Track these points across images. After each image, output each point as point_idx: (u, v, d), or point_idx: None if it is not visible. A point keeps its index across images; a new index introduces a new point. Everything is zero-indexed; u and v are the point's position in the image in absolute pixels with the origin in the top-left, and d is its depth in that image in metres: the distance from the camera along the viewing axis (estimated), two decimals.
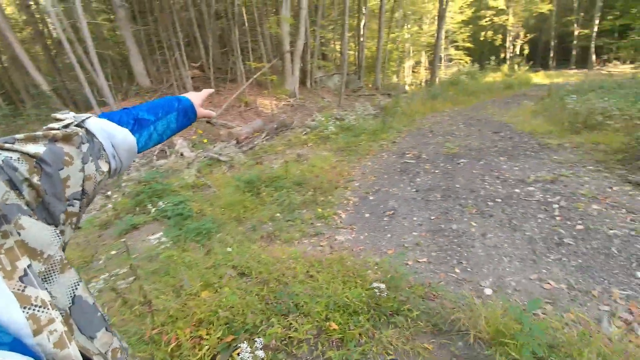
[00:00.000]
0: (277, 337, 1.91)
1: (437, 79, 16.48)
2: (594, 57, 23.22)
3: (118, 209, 4.10)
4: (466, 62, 22.23)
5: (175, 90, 10.79)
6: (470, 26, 24.93)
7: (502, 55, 26.21)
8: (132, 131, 0.67)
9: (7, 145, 0.45)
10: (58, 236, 0.47)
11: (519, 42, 26.22)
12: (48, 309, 0.40)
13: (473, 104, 10.56)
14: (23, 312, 0.37)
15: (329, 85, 14.80)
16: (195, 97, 0.86)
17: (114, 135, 0.63)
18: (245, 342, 1.83)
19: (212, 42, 11.48)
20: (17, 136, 0.48)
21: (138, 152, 0.71)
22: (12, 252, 0.39)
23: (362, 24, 16.16)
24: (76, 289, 0.48)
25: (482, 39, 27.01)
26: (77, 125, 0.57)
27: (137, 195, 4.27)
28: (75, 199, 0.52)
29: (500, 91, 13.00)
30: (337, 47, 18.62)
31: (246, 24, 11.97)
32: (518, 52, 26.25)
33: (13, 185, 0.43)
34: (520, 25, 26.03)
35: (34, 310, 0.38)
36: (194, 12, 11.87)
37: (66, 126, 0.55)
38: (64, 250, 0.49)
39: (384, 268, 2.48)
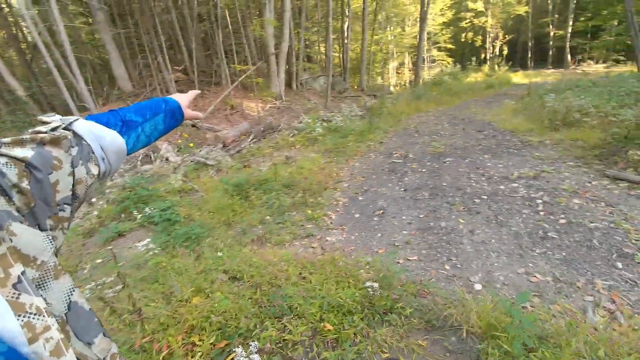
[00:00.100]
0: (272, 340, 1.89)
1: (420, 80, 16.75)
2: (569, 57, 24.11)
3: (102, 216, 3.99)
4: (448, 62, 22.71)
5: (159, 94, 10.60)
6: (451, 28, 25.55)
7: (483, 55, 26.90)
8: (120, 133, 0.66)
9: None
10: (51, 242, 0.46)
11: (498, 43, 26.93)
12: (43, 316, 0.39)
13: (456, 104, 10.79)
14: (17, 320, 0.36)
15: (315, 87, 14.84)
16: (182, 99, 0.86)
17: (103, 137, 0.62)
18: (239, 346, 1.81)
19: (196, 45, 11.33)
20: (4, 140, 0.46)
21: (127, 154, 0.70)
22: (5, 259, 0.38)
23: (345, 26, 16.29)
24: (72, 294, 0.47)
25: (463, 40, 27.64)
26: (64, 128, 0.56)
27: (122, 202, 4.16)
28: (65, 204, 0.51)
29: (482, 91, 13.33)
30: (322, 49, 18.70)
31: (230, 27, 11.87)
32: (498, 53, 26.97)
33: (2, 191, 0.42)
34: (499, 27, 26.77)
35: (29, 317, 0.37)
36: (176, 14, 11.70)
37: (53, 129, 0.53)
38: (56, 255, 0.48)
39: (375, 267, 2.50)
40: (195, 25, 11.55)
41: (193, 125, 8.23)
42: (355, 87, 17.21)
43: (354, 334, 1.92)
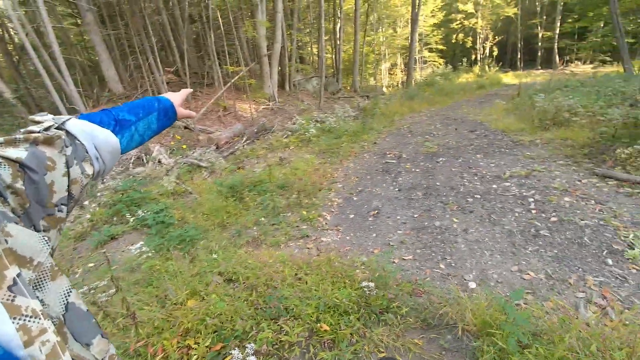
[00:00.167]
0: (269, 342, 1.89)
1: (413, 81, 16.88)
2: (557, 57, 24.56)
3: (94, 219, 3.93)
4: (440, 63, 22.97)
5: (150, 95, 10.48)
6: (442, 29, 25.82)
7: (473, 56, 27.23)
8: (114, 132, 0.66)
9: None
10: (47, 242, 0.45)
11: (488, 44, 27.29)
12: (39, 318, 0.38)
13: (449, 104, 10.89)
14: (13, 322, 0.36)
15: (308, 88, 14.84)
16: (175, 97, 0.86)
17: (96, 137, 0.61)
18: (235, 348, 1.80)
19: (187, 46, 11.25)
20: None
21: (121, 154, 0.69)
22: (1, 261, 0.38)
23: (338, 27, 16.34)
24: (69, 295, 0.47)
25: (453, 41, 27.95)
26: (57, 128, 0.55)
27: (114, 205, 4.11)
28: (62, 204, 0.51)
29: (473, 91, 13.48)
30: (315, 51, 18.73)
31: (222, 28, 11.81)
32: (488, 54, 27.33)
33: None
34: (489, 28, 27.15)
35: (24, 320, 0.37)
36: (167, 16, 11.61)
37: (46, 129, 0.53)
38: (52, 256, 0.48)
39: (371, 267, 2.51)
40: (186, 26, 11.47)
41: (186, 127, 8.17)
42: (348, 88, 17.27)
43: (351, 334, 1.92)
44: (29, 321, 0.37)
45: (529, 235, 2.85)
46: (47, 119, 0.56)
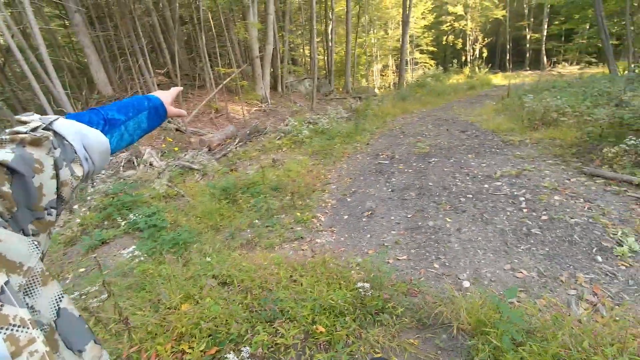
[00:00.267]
0: (264, 345, 1.87)
1: (404, 82, 17.00)
2: (545, 59, 25.03)
3: (84, 223, 3.86)
4: (431, 65, 23.20)
5: None
6: (433, 31, 26.11)
7: (464, 58, 27.55)
8: (103, 132, 0.64)
9: None
10: (37, 247, 0.44)
11: (478, 46, 27.65)
12: (28, 328, 0.37)
13: (440, 105, 11.00)
14: (0, 333, 0.34)
15: (300, 90, 14.84)
16: (165, 96, 0.84)
17: (86, 136, 0.59)
18: (231, 352, 1.78)
19: (178, 48, 11.16)
20: None
21: (111, 154, 0.68)
22: None
23: (329, 29, 16.39)
24: (60, 301, 0.46)
25: (444, 42, 28.29)
26: (44, 128, 0.53)
27: (104, 209, 4.04)
28: (52, 207, 0.50)
29: (464, 92, 13.64)
30: (307, 52, 18.74)
31: (213, 30, 11.75)
32: (478, 55, 27.69)
33: None
34: (478, 30, 27.51)
35: (12, 330, 0.36)
36: (157, 17, 11.49)
37: (34, 129, 0.51)
38: (42, 261, 0.46)
39: (366, 268, 2.51)
40: (177, 27, 11.38)
41: (177, 129, 8.09)
42: (341, 89, 17.31)
43: (347, 335, 1.92)
44: (17, 331, 0.36)
45: (521, 234, 2.89)
46: (34, 119, 0.54)
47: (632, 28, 12.24)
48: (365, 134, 7.52)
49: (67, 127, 0.57)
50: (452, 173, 4.52)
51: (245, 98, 11.38)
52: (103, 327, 1.94)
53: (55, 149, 0.52)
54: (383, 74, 25.04)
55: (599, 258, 2.45)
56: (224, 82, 10.74)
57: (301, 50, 19.50)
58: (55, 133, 0.55)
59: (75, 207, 4.28)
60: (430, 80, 15.73)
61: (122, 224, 3.63)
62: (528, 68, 25.65)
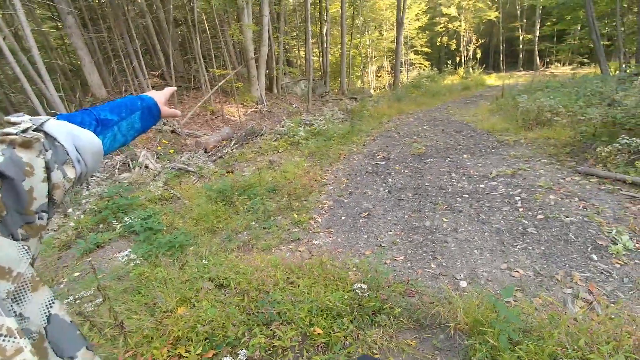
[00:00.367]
0: (261, 348, 1.86)
1: (400, 83, 17.08)
2: (538, 59, 25.28)
3: (79, 227, 3.82)
4: (425, 66, 23.31)
5: None
6: (427, 32, 26.25)
7: (458, 59, 27.73)
8: (96, 133, 0.63)
9: None
10: (27, 252, 0.43)
11: (472, 47, 27.82)
12: (15, 337, 0.36)
13: (435, 106, 11.06)
14: None
15: (296, 91, 14.84)
16: (158, 96, 0.83)
17: (78, 137, 0.58)
18: (228, 355, 1.77)
19: (173, 50, 11.12)
20: None
21: (104, 155, 0.66)
22: None
23: (324, 30, 16.41)
24: (51, 307, 0.45)
25: (438, 44, 28.44)
26: (35, 130, 0.52)
27: (99, 212, 4.00)
28: (43, 211, 0.48)
29: (458, 92, 13.74)
30: (302, 54, 18.75)
31: (207, 31, 11.71)
32: (472, 56, 27.88)
33: None
34: (472, 31, 27.70)
35: None
36: (151, 19, 11.44)
37: (24, 131, 0.49)
38: (32, 266, 0.45)
39: (363, 269, 2.51)
40: (171, 29, 11.32)
41: (173, 132, 8.05)
42: (336, 90, 17.33)
43: (344, 336, 1.91)
44: (3, 340, 0.35)
45: (517, 233, 2.91)
46: (24, 120, 0.52)
47: (622, 29, 12.41)
48: (361, 135, 7.54)
49: (59, 128, 0.56)
50: (448, 173, 4.54)
51: (240, 100, 11.35)
52: (98, 332, 1.92)
53: (46, 150, 0.50)
54: (378, 75, 25.11)
55: (594, 256, 2.47)
56: (220, 84, 10.71)
57: (296, 51, 19.51)
58: (47, 134, 0.53)
59: (70, 210, 4.23)
60: (425, 81, 15.81)
61: (118, 227, 3.60)
62: (521, 68, 25.90)
